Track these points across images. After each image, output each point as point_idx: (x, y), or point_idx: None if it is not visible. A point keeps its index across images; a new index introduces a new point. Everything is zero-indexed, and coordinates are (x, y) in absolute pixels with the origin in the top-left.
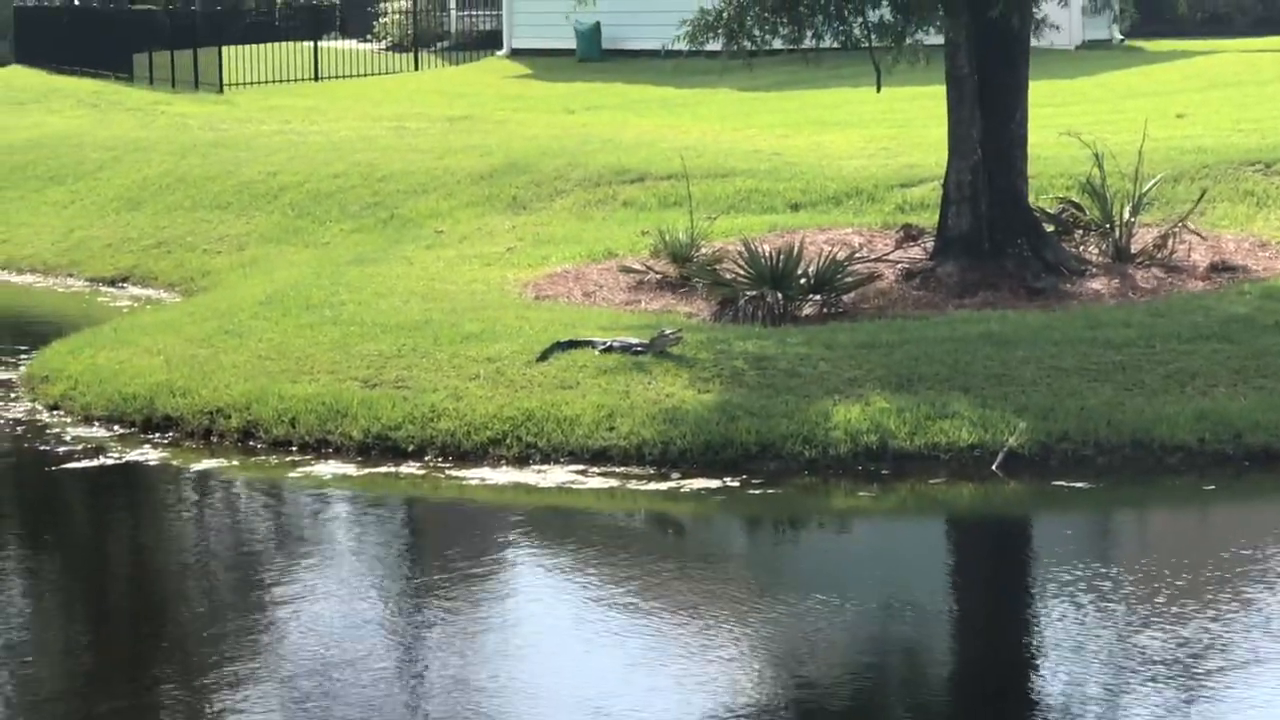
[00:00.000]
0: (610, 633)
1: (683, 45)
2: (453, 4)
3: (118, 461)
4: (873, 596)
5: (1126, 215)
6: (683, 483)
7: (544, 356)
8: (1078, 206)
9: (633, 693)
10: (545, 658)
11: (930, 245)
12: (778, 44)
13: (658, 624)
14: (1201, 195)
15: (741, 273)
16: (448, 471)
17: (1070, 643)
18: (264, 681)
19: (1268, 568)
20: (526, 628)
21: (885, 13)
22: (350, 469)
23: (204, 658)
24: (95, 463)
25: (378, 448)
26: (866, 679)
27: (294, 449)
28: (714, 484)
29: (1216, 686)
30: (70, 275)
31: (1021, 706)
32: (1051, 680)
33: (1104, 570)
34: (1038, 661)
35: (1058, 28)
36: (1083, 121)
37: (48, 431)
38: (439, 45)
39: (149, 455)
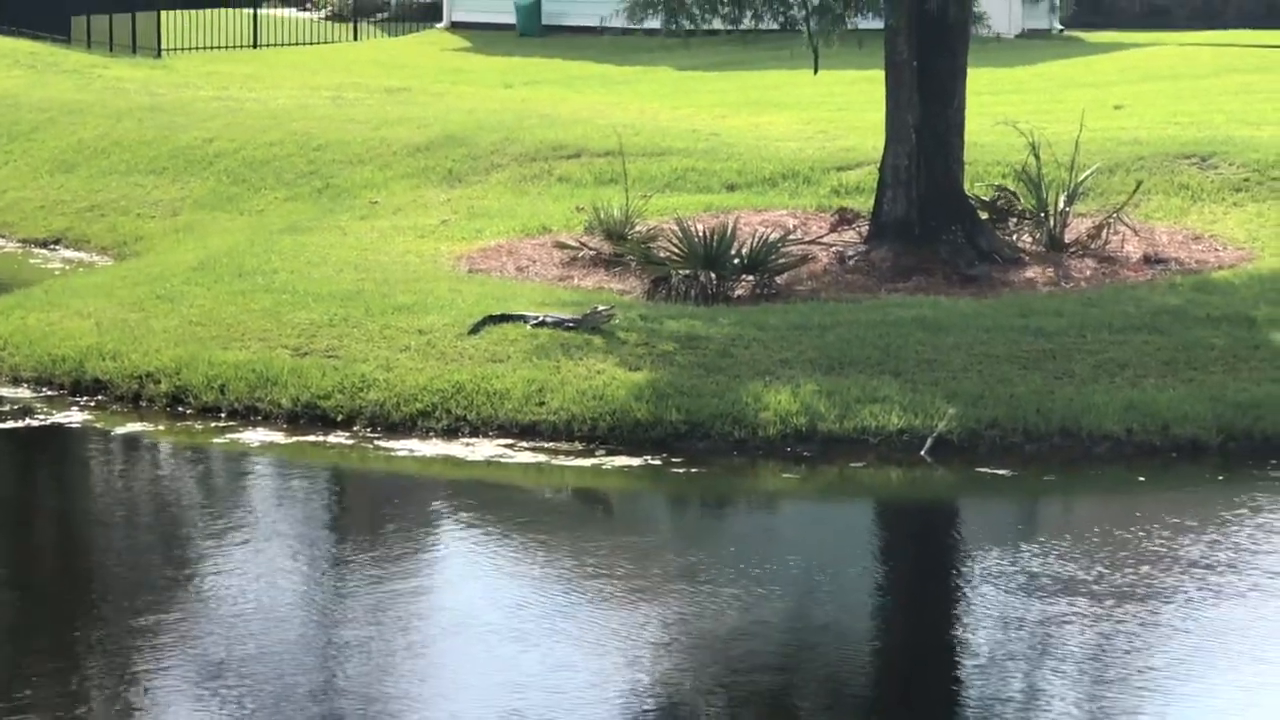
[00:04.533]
0: (524, 603)
1: (621, 21)
2: None
3: (44, 423)
4: (786, 577)
5: (1061, 205)
6: (607, 460)
7: (475, 330)
8: (1013, 194)
9: (543, 659)
10: (459, 626)
11: (865, 229)
12: (717, 23)
13: (569, 594)
14: (1137, 187)
15: (675, 251)
16: (376, 442)
17: (983, 626)
18: (173, 641)
19: (1186, 558)
20: (442, 597)
21: None
22: (278, 437)
23: (113, 615)
24: (21, 424)
25: (306, 416)
26: (772, 655)
27: (223, 415)
28: (636, 462)
29: (1127, 671)
30: (2, 236)
31: (933, 686)
32: (962, 665)
33: (1023, 556)
34: (949, 646)
35: (990, 28)
36: (1021, 111)
37: None
38: (378, 16)
39: (76, 418)
